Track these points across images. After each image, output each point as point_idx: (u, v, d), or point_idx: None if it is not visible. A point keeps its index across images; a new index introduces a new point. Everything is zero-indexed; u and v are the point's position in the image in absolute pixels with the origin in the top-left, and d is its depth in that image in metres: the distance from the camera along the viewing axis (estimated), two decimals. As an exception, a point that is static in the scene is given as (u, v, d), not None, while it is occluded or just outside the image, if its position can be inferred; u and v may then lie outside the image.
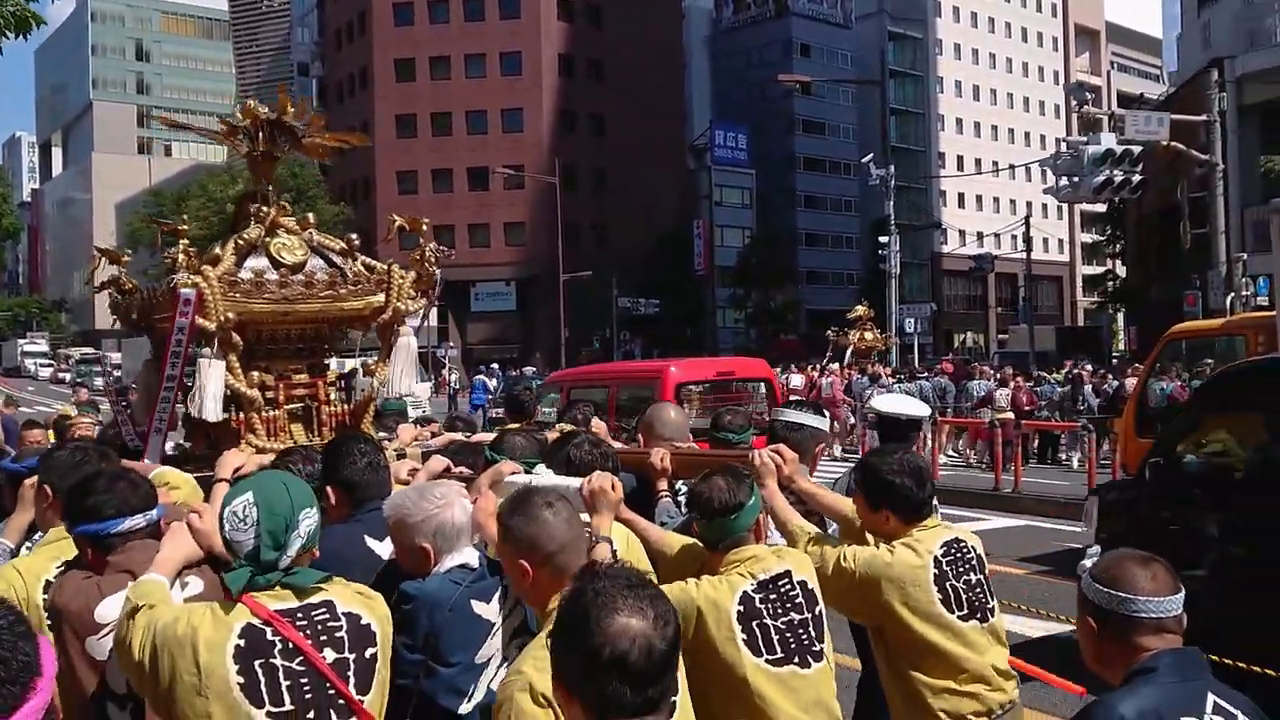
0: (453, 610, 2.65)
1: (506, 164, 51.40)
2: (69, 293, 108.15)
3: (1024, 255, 44.25)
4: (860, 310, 20.75)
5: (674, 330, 57.85)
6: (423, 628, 2.64)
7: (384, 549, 3.08)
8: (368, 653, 2.41)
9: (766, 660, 2.86)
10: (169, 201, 59.74)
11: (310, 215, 4.68)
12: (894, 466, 3.28)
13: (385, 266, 4.53)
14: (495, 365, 38.11)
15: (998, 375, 18.31)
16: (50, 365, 67.84)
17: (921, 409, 4.96)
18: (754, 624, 2.86)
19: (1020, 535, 11.73)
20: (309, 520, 2.40)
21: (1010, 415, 15.95)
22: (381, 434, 5.51)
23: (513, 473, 3.28)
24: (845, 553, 3.24)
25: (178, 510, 3.04)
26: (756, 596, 2.89)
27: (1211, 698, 2.10)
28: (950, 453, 18.19)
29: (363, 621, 2.42)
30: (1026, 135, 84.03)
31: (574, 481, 3.10)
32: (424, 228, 4.74)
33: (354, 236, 4.73)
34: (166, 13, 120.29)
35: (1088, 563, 2.30)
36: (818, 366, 21.51)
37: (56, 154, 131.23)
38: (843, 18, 75.09)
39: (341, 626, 2.39)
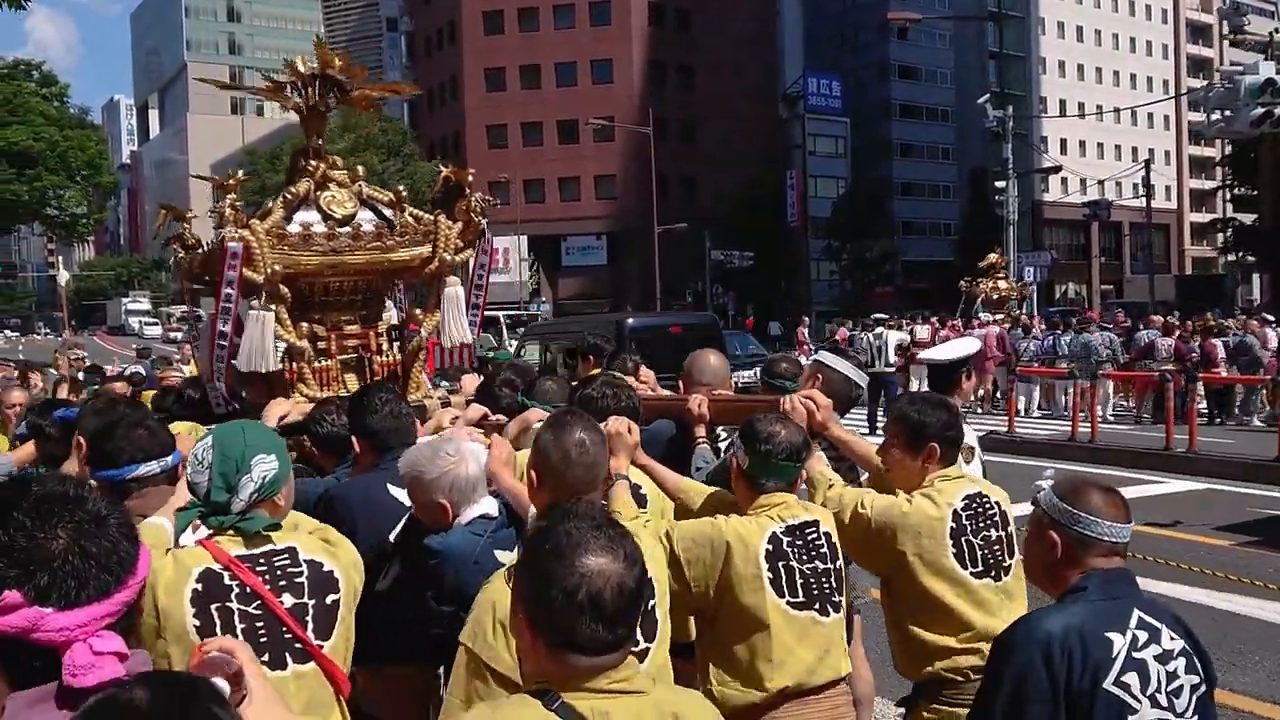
0: (478, 563, 2.69)
1: (596, 116, 50.68)
2: (168, 252, 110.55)
3: (1130, 202, 42.31)
4: (993, 258, 19.59)
5: (768, 283, 56.87)
6: (450, 581, 2.72)
7: (407, 496, 3.10)
8: (328, 599, 2.43)
9: (789, 602, 2.88)
10: (263, 160, 60.37)
11: (360, 168, 4.73)
12: (931, 402, 3.34)
13: (431, 218, 4.58)
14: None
15: (1153, 324, 16.90)
16: (156, 323, 68.95)
17: (968, 348, 4.78)
18: (780, 565, 2.88)
19: (1204, 500, 10.63)
20: (264, 466, 2.41)
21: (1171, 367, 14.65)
22: (444, 383, 5.78)
23: (539, 419, 3.26)
24: (864, 499, 3.23)
25: None
26: (785, 539, 2.91)
27: (1136, 613, 2.20)
28: (1113, 411, 16.73)
29: (325, 569, 2.44)
30: (1133, 78, 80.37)
31: None
32: (469, 179, 4.76)
33: (402, 188, 4.78)
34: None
35: (1045, 483, 2.37)
36: (940, 319, 20.29)
37: (154, 116, 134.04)
38: (941, -42, 72.22)
39: (302, 573, 2.41)
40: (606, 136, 54.81)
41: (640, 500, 3.22)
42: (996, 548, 3.18)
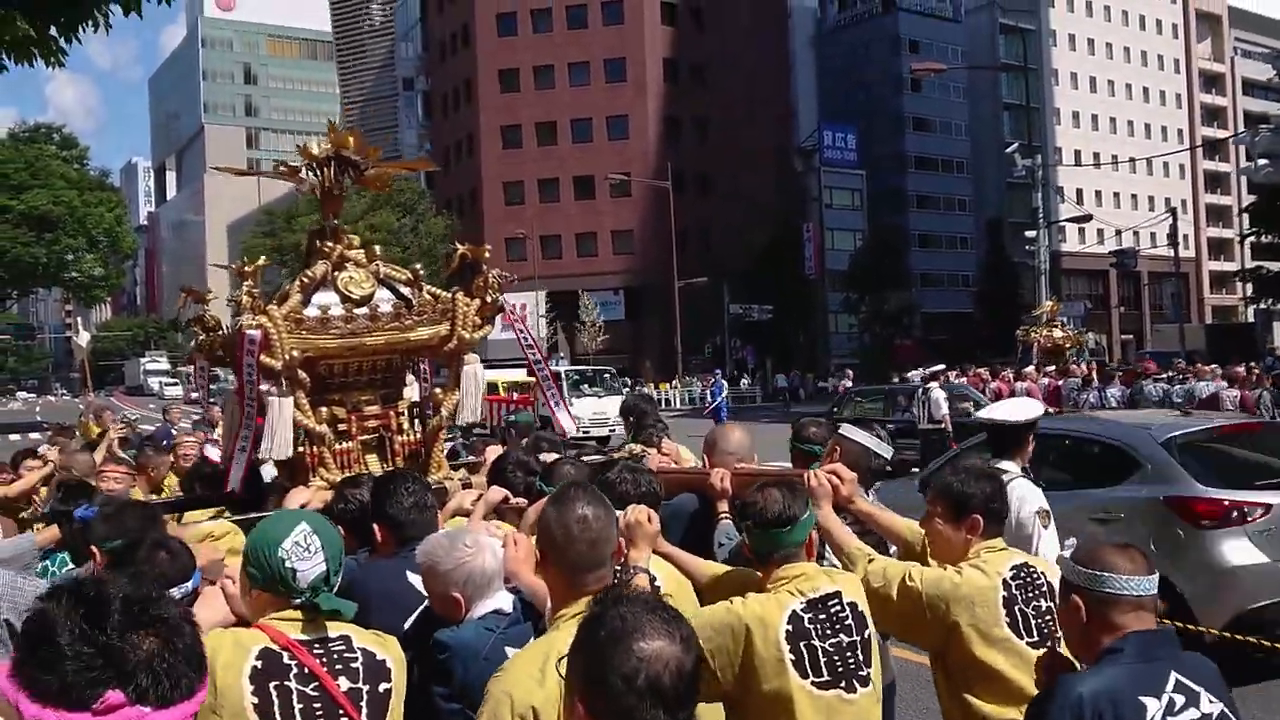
0: (488, 659, 2.65)
1: (612, 171, 50.73)
2: (184, 313, 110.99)
3: (1149, 251, 41.85)
4: (1048, 305, 18.95)
5: (786, 336, 56.46)
6: (459, 677, 2.68)
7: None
8: (381, 687, 2.47)
9: (813, 683, 2.76)
10: (280, 219, 60.56)
11: (377, 247, 4.67)
12: (975, 473, 3.28)
13: (449, 296, 4.56)
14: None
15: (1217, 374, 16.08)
16: (176, 383, 68.42)
17: (1034, 410, 4.63)
18: (802, 644, 2.77)
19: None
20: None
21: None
22: (469, 456, 5.84)
23: None
24: (911, 572, 3.16)
25: (217, 566, 3.09)
26: (805, 616, 2.80)
27: (1174, 676, 2.17)
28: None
29: (378, 657, 2.49)
30: (1146, 127, 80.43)
31: None
32: (486, 255, 4.71)
33: (418, 266, 4.79)
34: (272, 36, 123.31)
35: (1066, 552, 2.40)
36: (991, 370, 19.48)
37: (170, 178, 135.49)
38: (952, 11, 72.86)
39: (357, 659, 2.45)
40: (623, 191, 54.85)
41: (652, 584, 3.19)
42: (1049, 618, 3.11)
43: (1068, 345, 18.74)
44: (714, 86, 59.27)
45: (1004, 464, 4.38)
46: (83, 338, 12.09)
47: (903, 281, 60.54)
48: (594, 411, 25.51)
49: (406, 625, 3.03)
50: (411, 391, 4.97)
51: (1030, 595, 3.13)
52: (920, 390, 16.16)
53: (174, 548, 2.93)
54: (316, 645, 2.40)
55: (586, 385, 28.34)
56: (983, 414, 4.81)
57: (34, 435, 16.01)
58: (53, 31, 6.27)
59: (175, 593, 2.70)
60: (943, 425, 15.45)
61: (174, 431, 12.04)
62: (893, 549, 3.62)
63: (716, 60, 59.36)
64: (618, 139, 57.63)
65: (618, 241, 58.14)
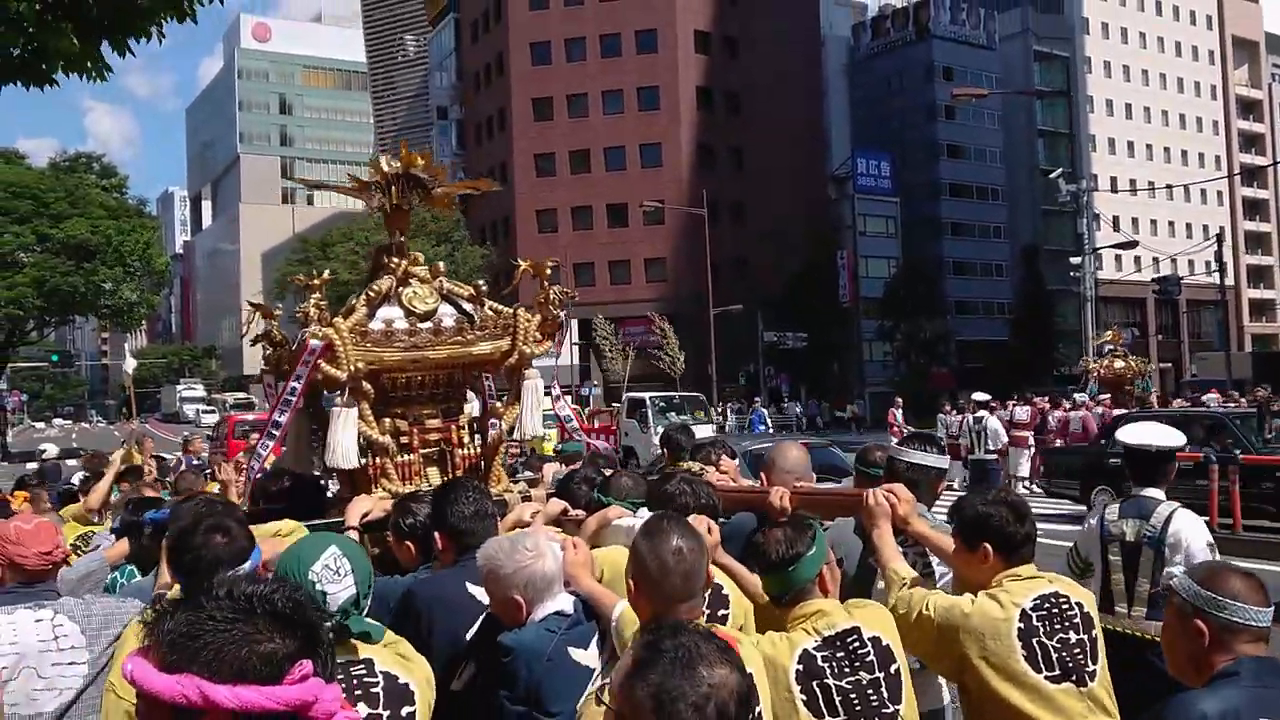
0: (551, 660, 2.66)
1: (646, 199, 50.73)
2: (219, 340, 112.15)
3: (1188, 279, 41.08)
4: (1111, 334, 18.45)
5: (820, 364, 56.08)
6: (523, 679, 2.66)
7: (485, 595, 3.05)
8: (404, 711, 2.46)
9: None
10: (315, 248, 60.95)
11: (441, 264, 4.74)
12: (988, 499, 3.18)
13: (511, 311, 4.59)
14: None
15: None
16: (214, 411, 68.50)
17: (1175, 438, 4.45)
18: (814, 684, 2.69)
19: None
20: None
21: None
22: (527, 472, 5.87)
23: (618, 516, 3.42)
24: (929, 600, 3.10)
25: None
26: (819, 654, 2.71)
27: None
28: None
29: (400, 681, 2.47)
30: (1184, 154, 79.64)
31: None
32: (548, 271, 4.73)
33: (481, 283, 4.78)
34: (308, 67, 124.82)
35: (1177, 571, 2.49)
36: (1051, 400, 18.89)
37: (206, 207, 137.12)
38: (986, 39, 72.49)
39: (378, 684, 2.44)
40: (656, 219, 54.81)
41: (722, 601, 3.19)
42: (1077, 651, 2.98)
43: (1129, 375, 18.17)
44: (747, 114, 59.30)
45: (1149, 491, 4.26)
46: (128, 364, 11.98)
47: (937, 309, 60.08)
48: None
49: (469, 635, 3.04)
50: (472, 407, 5.01)
51: (1055, 627, 2.99)
52: (971, 419, 15.80)
53: (233, 529, 2.89)
54: (338, 671, 2.30)
55: (675, 413, 25.12)
56: (1125, 436, 4.59)
57: (70, 462, 15.92)
58: (105, 46, 6.15)
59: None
60: (996, 457, 15.11)
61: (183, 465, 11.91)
62: (949, 574, 3.54)
63: (750, 88, 59.42)
64: (651, 167, 57.71)
65: (650, 269, 58.08)
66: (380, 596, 3.00)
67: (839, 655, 2.72)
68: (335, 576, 2.45)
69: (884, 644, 2.80)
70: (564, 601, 2.83)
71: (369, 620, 2.50)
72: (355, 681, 2.41)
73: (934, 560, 3.62)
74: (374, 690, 2.42)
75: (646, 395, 26.47)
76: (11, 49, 6.23)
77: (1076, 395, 17.71)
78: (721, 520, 3.81)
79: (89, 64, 6.20)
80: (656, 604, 2.41)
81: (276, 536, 3.57)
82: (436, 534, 3.40)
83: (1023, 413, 17.75)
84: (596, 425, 24.89)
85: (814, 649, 2.71)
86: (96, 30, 6.13)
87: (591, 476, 4.38)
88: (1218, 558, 4.04)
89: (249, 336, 4.78)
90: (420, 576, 3.48)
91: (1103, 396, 18.00)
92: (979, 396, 16.97)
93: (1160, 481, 4.33)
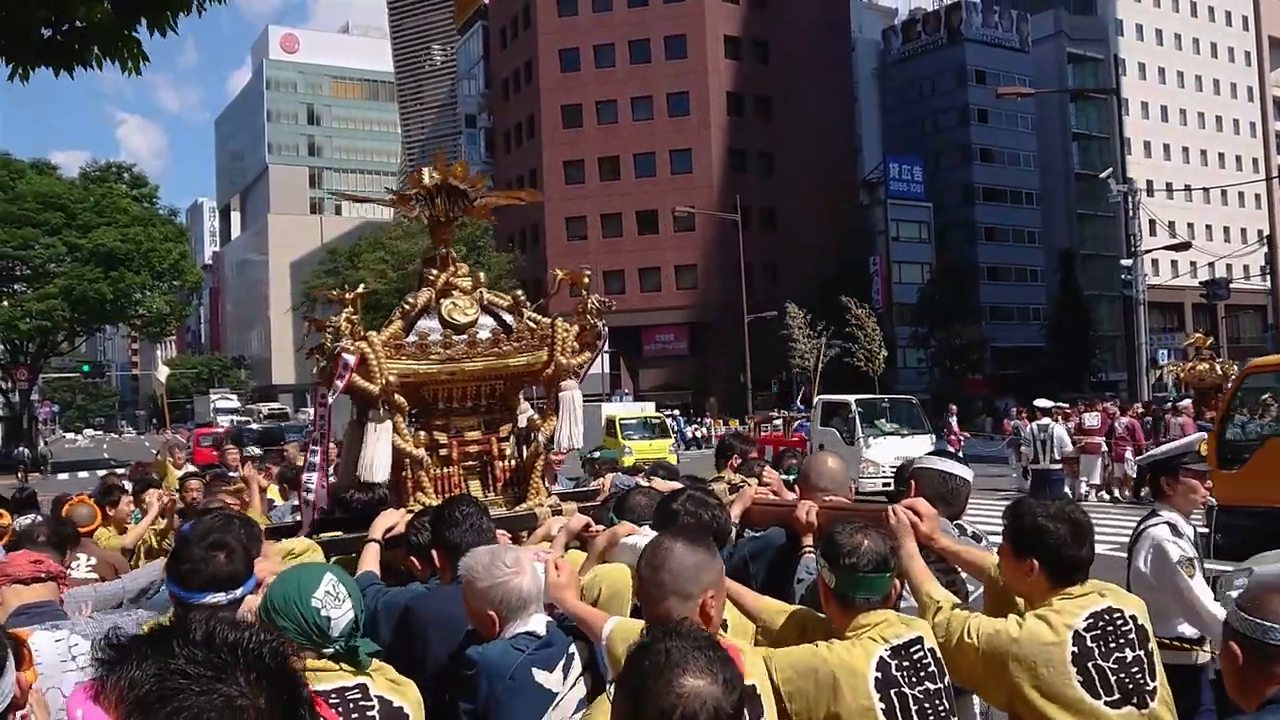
0: (513, 679, 2.67)
1: (676, 205, 50.27)
2: (248, 349, 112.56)
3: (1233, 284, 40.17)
4: (1197, 337, 17.64)
5: (853, 370, 55.35)
6: (483, 694, 2.68)
7: None
8: None
9: None
10: (343, 257, 60.84)
11: (481, 274, 4.67)
12: (1050, 512, 2.92)
13: (549, 321, 4.51)
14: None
15: None
16: (249, 420, 68.36)
17: None
18: (892, 693, 2.62)
19: None
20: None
21: None
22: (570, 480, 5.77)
23: (628, 534, 3.42)
24: (970, 625, 2.90)
25: None
26: (893, 663, 2.65)
27: None
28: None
29: (395, 704, 2.48)
30: (1220, 156, 78.47)
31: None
32: (586, 280, 4.67)
33: (519, 292, 4.73)
34: (336, 77, 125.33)
35: (1234, 593, 2.36)
36: (1121, 404, 18.13)
37: (235, 218, 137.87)
38: (1019, 41, 71.71)
39: (373, 708, 2.44)
40: (687, 226, 54.36)
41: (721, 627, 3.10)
42: (1135, 670, 2.77)
43: (1212, 380, 17.26)
44: (778, 119, 58.81)
45: None
46: (161, 372, 11.68)
47: (972, 314, 59.27)
48: (896, 456, 16.03)
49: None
50: (526, 415, 4.88)
51: (1111, 646, 2.78)
52: (1036, 427, 15.14)
53: (235, 549, 2.82)
54: (333, 696, 2.38)
55: (883, 420, 20.87)
56: None
57: (120, 471, 15.55)
58: (141, 27, 5.67)
59: (222, 597, 2.72)
60: (1062, 465, 14.45)
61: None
62: (977, 591, 3.42)
63: (780, 93, 58.92)
64: (681, 173, 57.27)
65: (681, 276, 57.60)
66: (389, 607, 3.24)
67: (906, 665, 2.67)
68: (336, 602, 2.44)
69: (938, 656, 2.78)
70: (537, 623, 2.81)
71: (366, 643, 2.53)
72: (351, 706, 2.41)
73: (963, 575, 3.46)
74: (370, 714, 2.43)
75: (852, 399, 21.28)
76: (41, 29, 5.77)
77: (1180, 403, 16.88)
78: (754, 533, 3.89)
79: (124, 49, 5.74)
80: (650, 605, 2.43)
81: (290, 556, 3.59)
82: (433, 551, 3.42)
83: (1092, 419, 17.22)
84: (793, 437, 23.32)
85: (887, 657, 2.65)
86: (133, 7, 5.65)
87: (648, 489, 4.23)
88: None
89: (303, 350, 4.76)
90: (419, 591, 3.49)
91: (1184, 403, 17.28)
92: (1042, 403, 16.27)
93: None
